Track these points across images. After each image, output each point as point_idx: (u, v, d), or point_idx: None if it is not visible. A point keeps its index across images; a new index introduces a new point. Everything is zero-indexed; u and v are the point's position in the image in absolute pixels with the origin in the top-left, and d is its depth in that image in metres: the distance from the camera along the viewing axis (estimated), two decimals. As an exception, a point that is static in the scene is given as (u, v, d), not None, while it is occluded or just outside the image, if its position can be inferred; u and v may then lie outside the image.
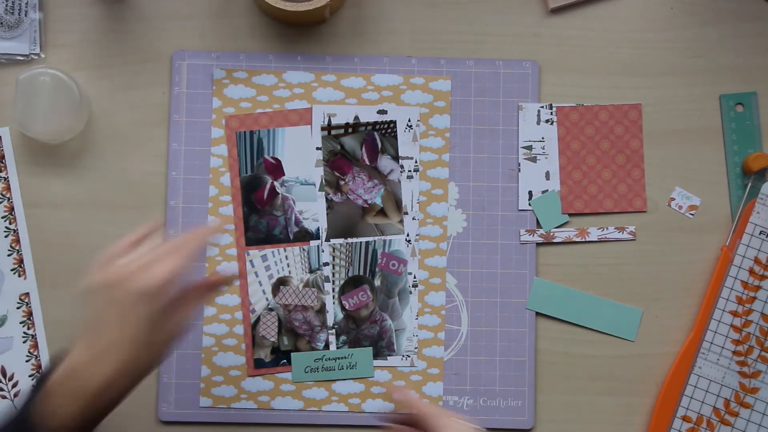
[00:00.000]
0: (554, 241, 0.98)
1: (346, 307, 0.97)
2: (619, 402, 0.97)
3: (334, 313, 0.97)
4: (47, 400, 0.72)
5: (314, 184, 0.98)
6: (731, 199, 0.99)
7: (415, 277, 0.97)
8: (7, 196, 0.95)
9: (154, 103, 0.98)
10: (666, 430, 0.95)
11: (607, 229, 0.98)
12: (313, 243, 0.97)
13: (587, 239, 0.98)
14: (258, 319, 0.97)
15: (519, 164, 0.98)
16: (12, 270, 0.95)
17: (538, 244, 0.98)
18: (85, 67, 0.98)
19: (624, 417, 0.97)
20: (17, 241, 0.95)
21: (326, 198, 0.98)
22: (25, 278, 0.95)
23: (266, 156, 0.98)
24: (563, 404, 0.97)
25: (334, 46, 0.99)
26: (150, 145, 0.98)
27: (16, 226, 0.95)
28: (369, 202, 0.98)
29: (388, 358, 0.97)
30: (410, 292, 0.97)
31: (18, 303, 0.95)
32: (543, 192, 0.98)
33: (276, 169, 0.98)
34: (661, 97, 0.99)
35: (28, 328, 0.94)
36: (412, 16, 1.00)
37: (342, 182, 0.98)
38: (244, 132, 0.98)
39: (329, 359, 0.96)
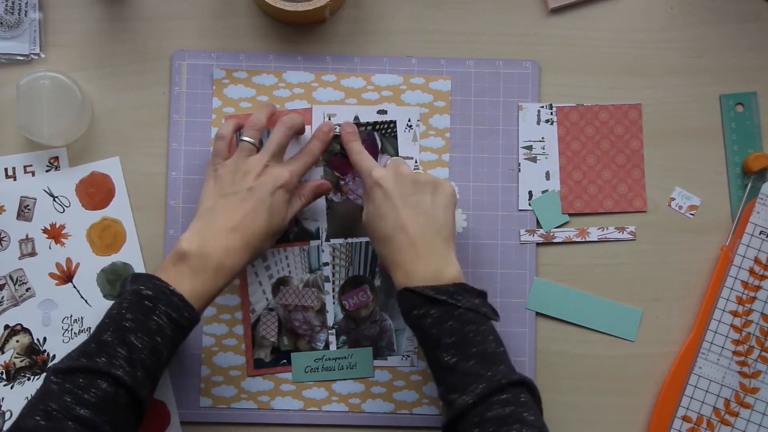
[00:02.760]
0: (554, 241, 0.98)
1: (346, 307, 0.97)
2: (619, 402, 0.97)
3: (334, 313, 0.97)
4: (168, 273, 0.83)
5: (314, 184, 0.98)
6: (731, 199, 0.99)
7: (415, 277, 0.97)
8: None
9: (154, 103, 0.98)
10: (666, 430, 0.95)
11: (607, 229, 0.98)
12: (313, 243, 0.97)
13: (587, 239, 0.98)
14: (258, 319, 0.97)
15: (519, 164, 0.98)
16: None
17: (538, 244, 0.98)
18: (85, 67, 0.98)
19: (624, 417, 0.97)
20: None
21: (326, 198, 0.98)
22: None
23: (266, 156, 0.98)
24: (563, 404, 0.97)
25: (334, 46, 0.99)
26: (150, 145, 0.98)
27: None
28: (369, 202, 0.98)
29: (388, 358, 0.97)
30: (410, 292, 0.97)
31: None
32: (543, 192, 0.98)
33: (276, 169, 0.98)
34: (661, 97, 0.99)
35: None
36: (412, 16, 1.00)
37: (342, 182, 0.98)
38: (244, 132, 0.98)
39: (329, 359, 0.96)
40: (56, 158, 0.96)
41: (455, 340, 0.81)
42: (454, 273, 0.84)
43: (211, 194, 0.88)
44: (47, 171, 0.96)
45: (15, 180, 0.96)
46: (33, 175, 0.96)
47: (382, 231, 0.87)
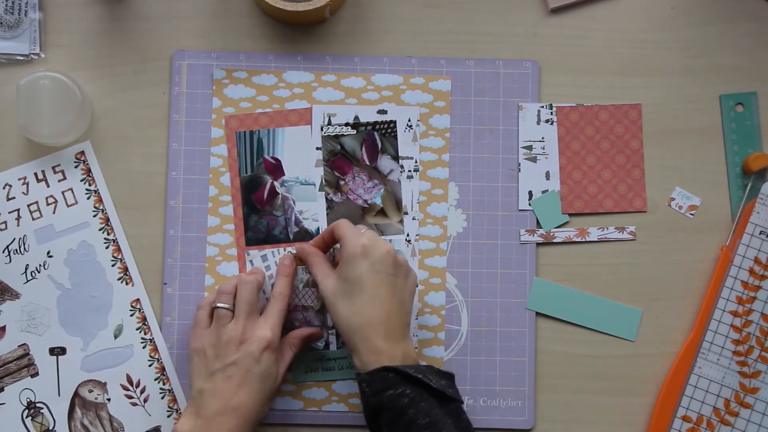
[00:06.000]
0: (554, 241, 0.98)
1: (346, 307, 0.97)
2: (619, 402, 0.97)
3: (334, 313, 0.97)
4: None
5: (314, 184, 0.98)
6: (731, 199, 0.99)
7: (415, 277, 0.97)
8: (100, 207, 0.96)
9: (154, 103, 0.98)
10: (666, 430, 0.95)
11: (607, 229, 0.98)
12: (313, 243, 0.97)
13: (587, 239, 0.98)
14: (258, 319, 0.97)
15: (519, 164, 0.98)
16: (119, 279, 0.95)
17: (538, 244, 0.98)
18: (85, 67, 0.98)
19: (624, 417, 0.97)
20: (119, 250, 0.95)
21: (326, 198, 0.98)
22: (132, 285, 0.95)
23: (266, 156, 0.98)
24: (563, 404, 0.97)
25: (334, 46, 0.99)
26: (150, 145, 0.98)
27: (115, 236, 0.95)
28: (369, 202, 0.98)
29: (388, 358, 0.97)
30: (410, 292, 0.97)
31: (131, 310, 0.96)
32: (543, 192, 0.98)
33: (276, 169, 0.98)
34: (661, 97, 0.99)
35: (145, 333, 0.94)
36: (412, 16, 1.00)
37: (342, 182, 0.98)
38: (244, 132, 0.98)
39: (329, 359, 0.96)
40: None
41: (429, 420, 0.81)
42: (414, 355, 0.86)
43: (198, 374, 0.88)
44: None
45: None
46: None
47: (357, 301, 0.86)
